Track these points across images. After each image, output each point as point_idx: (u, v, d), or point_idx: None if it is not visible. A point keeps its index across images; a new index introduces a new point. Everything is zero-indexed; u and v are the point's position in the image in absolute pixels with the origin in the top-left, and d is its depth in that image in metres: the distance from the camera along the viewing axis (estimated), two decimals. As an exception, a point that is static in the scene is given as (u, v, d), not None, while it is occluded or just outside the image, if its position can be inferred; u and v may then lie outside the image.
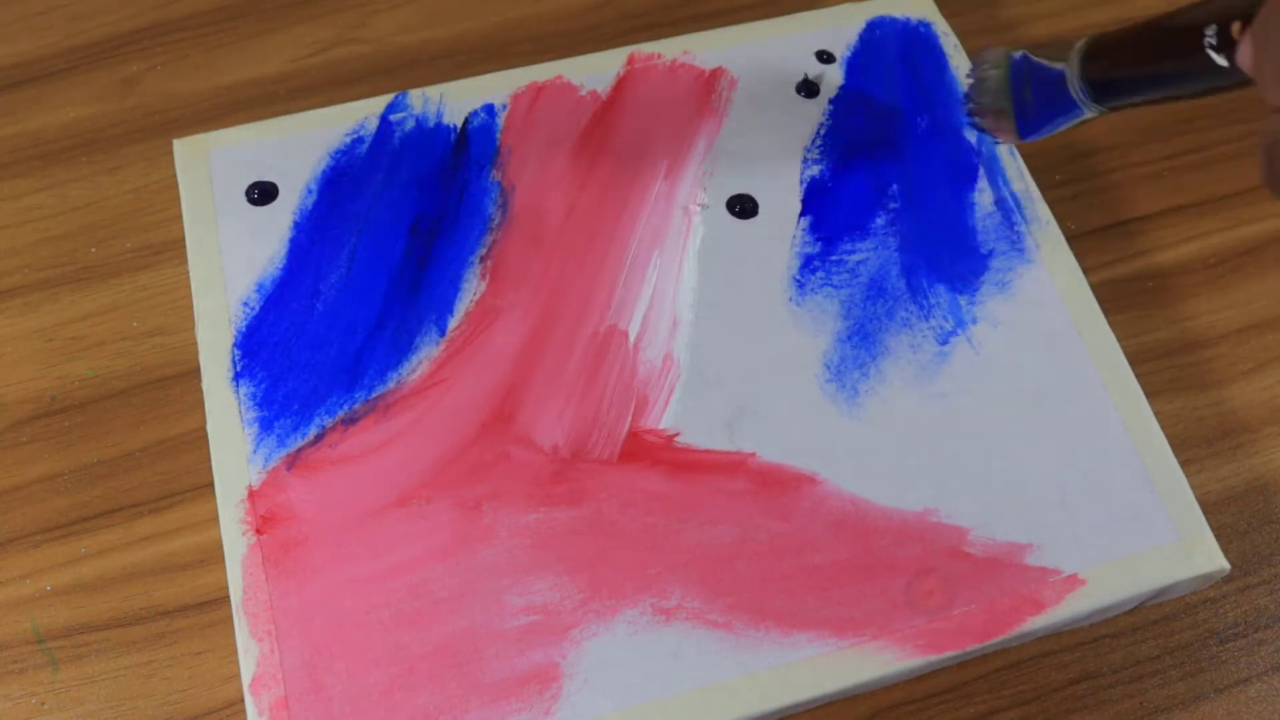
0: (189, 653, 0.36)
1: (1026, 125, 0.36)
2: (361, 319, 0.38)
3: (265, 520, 0.34)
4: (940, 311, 0.38)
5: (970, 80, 0.38)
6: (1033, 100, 0.35)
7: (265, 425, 0.36)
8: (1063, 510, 0.35)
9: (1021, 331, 0.38)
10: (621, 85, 0.43)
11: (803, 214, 0.40)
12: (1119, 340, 0.38)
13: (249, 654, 0.32)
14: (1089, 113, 0.34)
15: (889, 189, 0.41)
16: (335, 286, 0.38)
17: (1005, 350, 0.38)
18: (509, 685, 0.32)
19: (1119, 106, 0.33)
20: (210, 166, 0.40)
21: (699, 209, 0.40)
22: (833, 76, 0.43)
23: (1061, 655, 0.36)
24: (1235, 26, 0.27)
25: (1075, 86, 0.33)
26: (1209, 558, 0.34)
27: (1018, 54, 0.36)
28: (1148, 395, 0.37)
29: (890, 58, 0.44)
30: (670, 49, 0.44)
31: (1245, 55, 0.26)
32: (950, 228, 0.40)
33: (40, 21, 0.49)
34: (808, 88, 0.43)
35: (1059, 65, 0.34)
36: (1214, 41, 0.28)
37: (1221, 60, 0.28)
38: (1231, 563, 0.35)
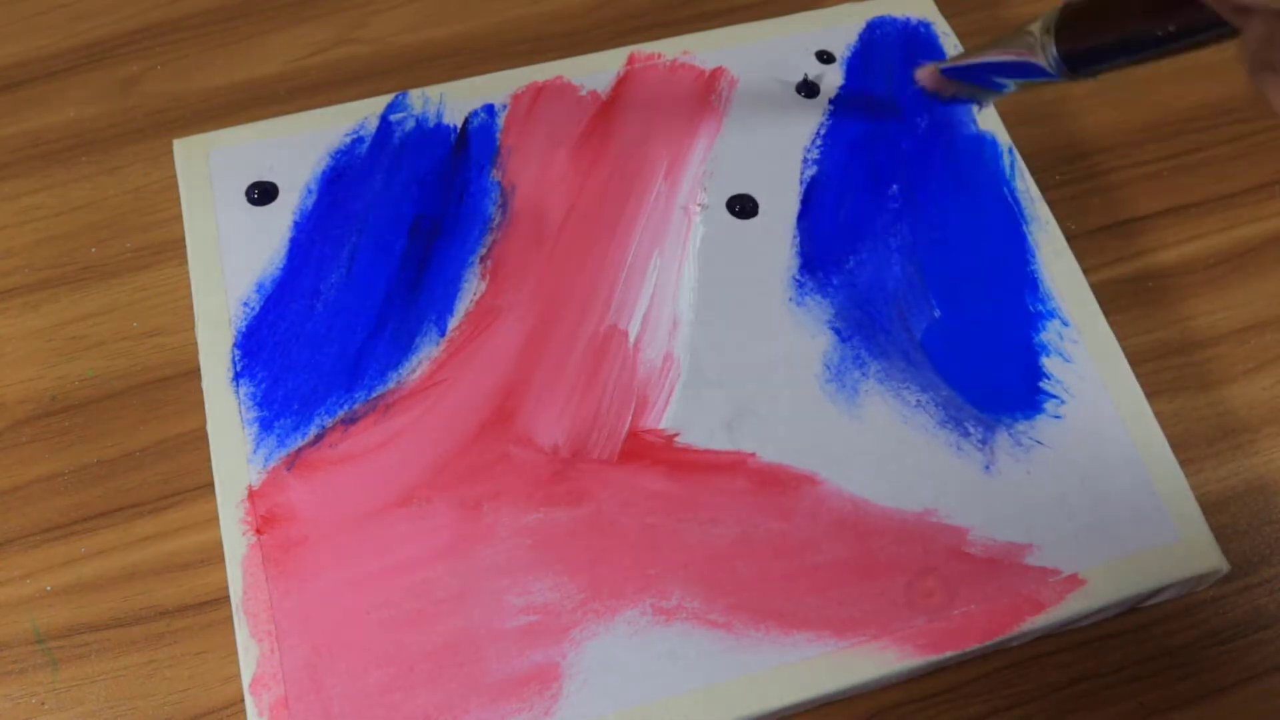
0: (189, 653, 0.36)
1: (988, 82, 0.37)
2: (361, 319, 0.38)
3: (265, 520, 0.34)
4: (940, 311, 0.38)
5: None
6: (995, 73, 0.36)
7: (265, 425, 0.36)
8: (1062, 510, 0.35)
9: (1021, 331, 0.38)
10: (621, 85, 0.43)
11: (803, 214, 0.40)
12: (1119, 340, 0.38)
13: (249, 654, 0.32)
14: (1057, 78, 0.34)
15: (889, 189, 0.41)
16: (335, 286, 0.38)
17: (1005, 350, 0.38)
18: (509, 685, 0.32)
19: (1093, 74, 0.33)
20: (210, 166, 0.40)
21: (699, 209, 0.40)
22: (833, 76, 0.43)
23: (1061, 655, 0.36)
24: None
25: (1049, 59, 0.33)
26: (1209, 558, 0.34)
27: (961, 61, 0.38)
28: (1148, 395, 0.37)
29: (890, 58, 0.44)
30: (670, 49, 0.44)
31: None
32: (950, 227, 0.40)
33: (40, 21, 0.49)
34: (808, 88, 0.43)
35: (1024, 48, 0.34)
36: None
37: None
38: (1231, 563, 0.35)
